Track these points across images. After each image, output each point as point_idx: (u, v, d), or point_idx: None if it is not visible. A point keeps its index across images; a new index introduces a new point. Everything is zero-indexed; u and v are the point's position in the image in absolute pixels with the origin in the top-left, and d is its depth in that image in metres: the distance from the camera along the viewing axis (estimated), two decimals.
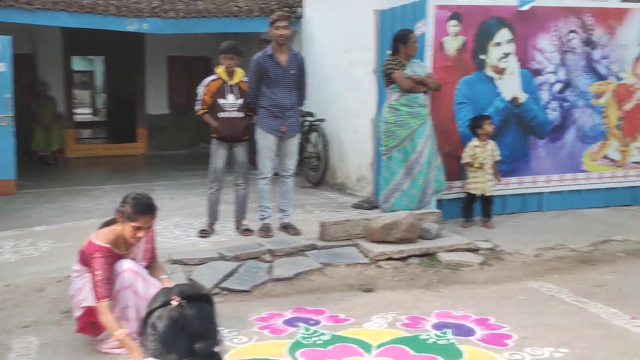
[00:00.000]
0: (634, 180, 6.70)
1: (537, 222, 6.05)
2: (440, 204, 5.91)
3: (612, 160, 6.61)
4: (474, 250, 5.13)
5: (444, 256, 4.99)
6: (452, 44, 5.94)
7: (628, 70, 6.57)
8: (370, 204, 6.51)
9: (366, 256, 4.93)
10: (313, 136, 8.00)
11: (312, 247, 5.03)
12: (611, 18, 6.46)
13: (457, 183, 6.04)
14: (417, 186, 5.59)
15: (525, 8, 6.11)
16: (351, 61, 7.41)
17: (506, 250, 5.19)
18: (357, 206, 6.59)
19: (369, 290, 4.43)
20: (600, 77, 6.50)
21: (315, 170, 7.98)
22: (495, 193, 5.94)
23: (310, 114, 7.91)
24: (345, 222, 5.27)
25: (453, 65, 5.98)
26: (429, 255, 5.01)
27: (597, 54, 6.46)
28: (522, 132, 6.27)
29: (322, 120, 7.87)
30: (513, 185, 6.27)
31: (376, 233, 5.06)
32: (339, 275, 4.66)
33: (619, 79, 6.55)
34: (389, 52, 5.76)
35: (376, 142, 6.40)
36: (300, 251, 4.99)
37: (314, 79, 7.00)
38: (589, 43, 6.43)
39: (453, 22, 5.92)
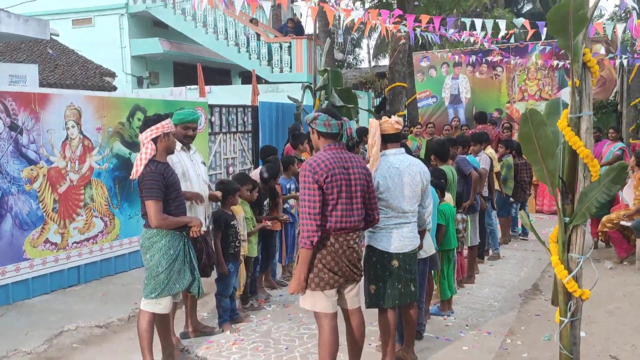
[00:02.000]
0: (76, 260, 6.89)
1: None
2: None
3: (54, 243, 6.64)
4: None
5: None
6: None
7: (57, 154, 6.73)
8: None
9: None
10: None
11: None
12: (34, 103, 6.49)
13: None
14: None
15: None
16: None
17: None
18: None
19: None
20: (31, 162, 6.44)
21: None
22: None
23: None
24: None
25: None
26: None
27: (24, 138, 6.38)
28: None
29: None
30: None
31: None
32: None
33: (49, 162, 6.63)
34: None
35: None
36: None
37: None
38: (14, 127, 6.29)
39: None
